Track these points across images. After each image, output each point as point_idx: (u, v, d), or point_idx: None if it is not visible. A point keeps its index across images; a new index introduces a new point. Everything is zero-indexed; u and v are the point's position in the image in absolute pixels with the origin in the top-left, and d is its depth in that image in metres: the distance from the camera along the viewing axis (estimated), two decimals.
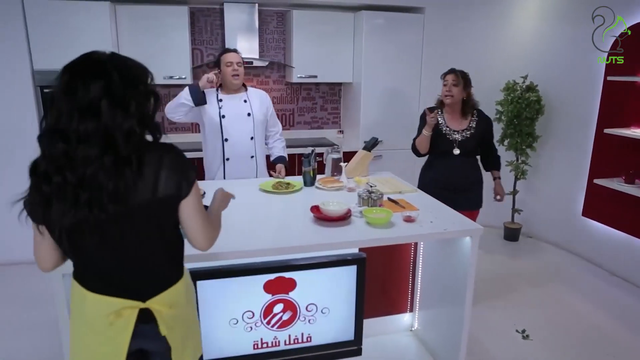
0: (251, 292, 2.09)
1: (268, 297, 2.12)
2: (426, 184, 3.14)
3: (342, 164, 3.03)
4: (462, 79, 2.98)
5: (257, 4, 4.29)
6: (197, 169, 1.45)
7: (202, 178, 3.27)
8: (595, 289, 3.67)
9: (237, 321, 2.11)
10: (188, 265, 1.97)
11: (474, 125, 3.06)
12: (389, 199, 2.64)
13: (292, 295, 2.15)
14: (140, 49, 4.04)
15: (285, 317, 2.17)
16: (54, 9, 3.68)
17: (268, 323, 2.16)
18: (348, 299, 2.24)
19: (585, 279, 3.84)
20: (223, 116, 3.07)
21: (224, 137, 3.10)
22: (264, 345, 2.20)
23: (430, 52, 4.49)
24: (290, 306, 2.16)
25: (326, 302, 2.21)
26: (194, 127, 4.59)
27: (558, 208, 4.40)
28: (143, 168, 1.25)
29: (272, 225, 2.33)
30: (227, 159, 3.14)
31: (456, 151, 3.04)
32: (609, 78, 3.73)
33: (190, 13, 4.29)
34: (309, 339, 2.25)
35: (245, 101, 3.14)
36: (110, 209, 1.23)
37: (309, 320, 2.21)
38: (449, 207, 2.58)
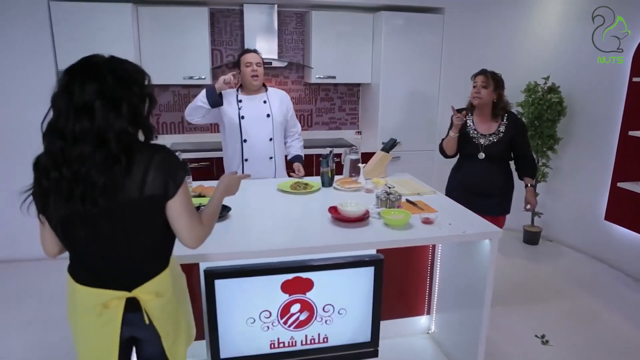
0: (269, 291, 2.10)
1: (285, 297, 2.12)
2: (453, 185, 3.13)
3: (360, 165, 3.03)
4: (493, 80, 2.89)
5: (276, 5, 4.31)
6: (188, 170, 1.49)
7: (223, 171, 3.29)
8: (617, 294, 3.60)
9: (254, 320, 2.12)
10: (206, 265, 2.00)
11: (502, 130, 2.95)
12: (407, 201, 2.63)
13: (310, 295, 2.15)
14: (160, 49, 4.10)
15: (302, 317, 2.18)
16: (78, 11, 3.76)
17: (285, 323, 2.17)
18: (365, 300, 2.24)
19: (607, 284, 3.76)
20: (242, 117, 3.09)
21: (243, 138, 3.12)
22: (281, 345, 2.21)
23: (449, 53, 4.45)
24: (307, 306, 2.16)
25: (343, 303, 2.21)
26: (213, 127, 4.63)
27: (580, 211, 4.33)
28: (132, 167, 1.32)
29: (290, 226, 2.34)
30: (246, 160, 3.16)
31: (481, 155, 2.97)
32: (634, 79, 3.64)
33: (210, 14, 4.33)
34: (325, 339, 2.25)
35: (265, 102, 3.15)
36: (100, 203, 1.30)
37: (325, 321, 2.21)
38: (468, 210, 2.56)
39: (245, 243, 2.10)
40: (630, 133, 3.64)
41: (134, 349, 1.63)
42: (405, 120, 4.52)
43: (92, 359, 1.51)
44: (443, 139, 3.13)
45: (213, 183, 2.93)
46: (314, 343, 2.25)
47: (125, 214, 1.36)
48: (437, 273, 2.83)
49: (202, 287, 2.05)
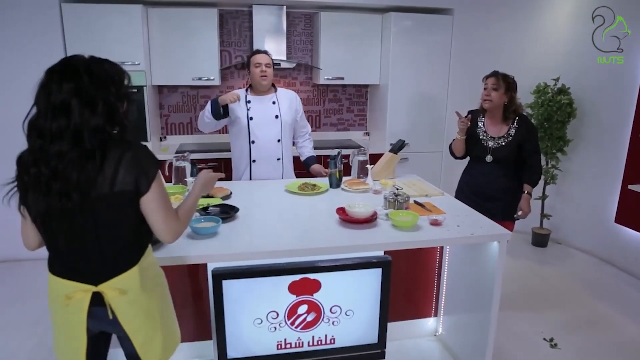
0: (276, 292, 2.10)
1: (293, 298, 2.13)
2: (462, 187, 3.12)
3: (368, 166, 3.02)
4: (504, 82, 2.84)
5: (285, 6, 4.32)
6: (160, 166, 1.49)
7: (230, 178, 3.31)
8: (627, 298, 3.56)
9: (262, 321, 2.13)
10: (214, 265, 2.01)
11: (512, 133, 2.90)
12: (416, 202, 2.62)
13: (317, 296, 2.15)
14: (170, 50, 4.13)
15: (310, 318, 2.18)
16: (89, 12, 3.79)
17: (292, 324, 2.17)
18: (372, 302, 2.23)
19: (617, 288, 3.73)
20: (251, 118, 3.10)
21: (251, 139, 3.12)
22: (288, 345, 2.21)
23: (458, 54, 4.44)
24: (314, 307, 2.17)
25: (350, 304, 2.21)
26: (222, 128, 4.63)
27: (589, 214, 4.29)
28: (105, 163, 1.37)
29: (298, 227, 2.34)
30: (254, 161, 3.16)
31: (489, 158, 2.94)
32: None
33: (219, 15, 4.35)
34: (332, 340, 2.25)
35: (273, 103, 3.16)
36: (74, 198, 1.36)
37: (332, 322, 2.21)
38: (476, 211, 2.55)
39: (252, 244, 2.10)
40: None
41: (113, 343, 1.67)
42: (413, 122, 4.51)
43: (64, 349, 1.56)
44: (454, 140, 3.11)
45: (221, 183, 2.95)
46: (321, 344, 2.25)
47: (96, 210, 1.41)
48: (445, 275, 2.82)
49: (209, 288, 2.06)
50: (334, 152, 3.00)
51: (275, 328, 2.16)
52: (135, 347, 1.53)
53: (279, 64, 4.37)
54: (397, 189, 2.56)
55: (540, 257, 4.29)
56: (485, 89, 2.90)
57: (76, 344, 1.53)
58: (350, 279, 2.17)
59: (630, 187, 3.72)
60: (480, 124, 3.00)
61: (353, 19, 4.41)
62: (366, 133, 5.07)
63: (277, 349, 2.20)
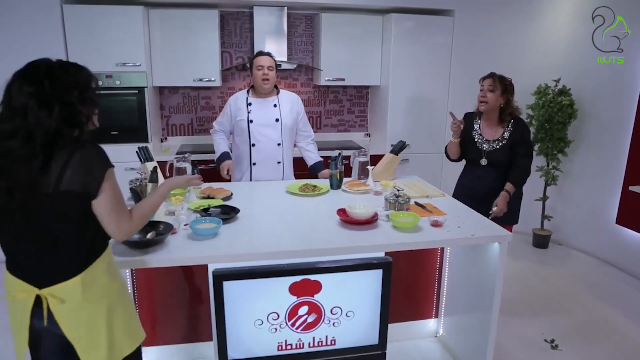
0: (277, 293, 2.10)
1: (293, 299, 2.13)
2: (458, 190, 3.09)
3: (369, 167, 3.02)
4: (501, 84, 2.81)
5: (286, 8, 4.32)
6: (110, 167, 1.47)
7: (230, 179, 3.31)
8: (628, 299, 3.56)
9: (262, 322, 2.13)
10: (215, 266, 2.01)
11: (506, 136, 2.87)
12: (416, 203, 2.62)
13: (317, 297, 2.15)
14: (171, 51, 4.14)
15: (310, 319, 2.18)
16: (90, 13, 3.80)
17: (293, 325, 2.17)
18: (373, 303, 2.23)
19: (618, 289, 3.72)
20: (251, 121, 3.09)
21: (251, 142, 3.12)
22: (288, 346, 2.21)
23: (459, 55, 4.44)
24: (315, 309, 2.17)
25: (351, 305, 2.21)
26: None
27: (590, 215, 4.29)
28: (52, 163, 1.38)
29: (299, 228, 2.34)
30: (254, 164, 3.16)
31: (483, 161, 2.91)
32: None
33: (220, 16, 4.35)
34: (333, 342, 2.25)
35: (275, 106, 3.15)
36: (17, 197, 1.38)
37: (333, 323, 2.21)
38: (477, 212, 2.55)
39: (253, 245, 2.11)
40: None
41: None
42: (414, 123, 4.51)
43: (15, 344, 1.58)
44: (449, 142, 3.10)
45: (222, 185, 2.95)
46: (322, 345, 2.25)
47: (39, 210, 1.42)
48: (446, 276, 2.82)
49: (210, 289, 2.06)
50: (335, 153, 3.00)
51: (275, 329, 2.16)
52: (78, 353, 1.52)
53: (280, 65, 4.37)
54: (398, 190, 2.56)
55: (541, 258, 4.29)
56: (481, 90, 2.87)
57: (20, 339, 1.56)
58: (351, 280, 2.17)
59: (631, 188, 3.72)
60: (476, 127, 2.98)
61: (354, 20, 4.41)
62: (367, 134, 5.07)
63: (278, 350, 2.20)
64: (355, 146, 4.56)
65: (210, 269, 2.05)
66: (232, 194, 2.75)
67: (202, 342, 2.59)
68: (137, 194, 2.52)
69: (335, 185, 2.95)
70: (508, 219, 2.92)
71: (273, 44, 4.34)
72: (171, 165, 2.86)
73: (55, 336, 1.51)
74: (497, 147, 2.88)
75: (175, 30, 4.11)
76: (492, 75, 2.86)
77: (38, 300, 1.48)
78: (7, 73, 1.43)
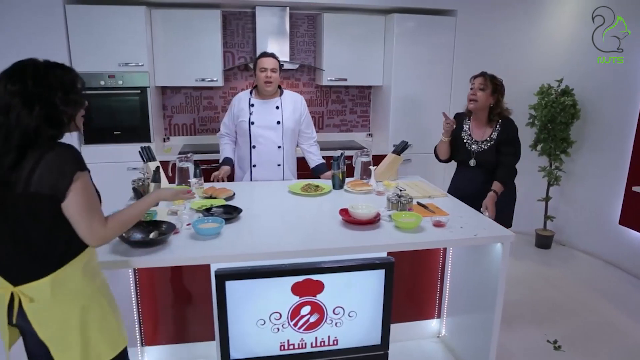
0: (279, 293, 2.10)
1: (296, 299, 2.13)
2: (450, 191, 3.05)
3: (371, 167, 3.02)
4: (491, 83, 2.78)
5: (288, 8, 4.32)
6: (81, 170, 1.45)
7: (232, 179, 3.31)
8: (631, 300, 3.55)
9: (265, 322, 2.13)
10: (217, 266, 2.01)
11: (494, 137, 2.84)
12: (419, 203, 2.62)
13: (320, 297, 2.15)
14: (173, 51, 4.14)
15: (312, 319, 2.18)
16: (93, 13, 3.80)
17: (295, 325, 2.17)
18: (375, 303, 2.23)
19: (621, 290, 3.71)
20: (252, 123, 3.09)
21: (252, 144, 3.12)
22: (291, 346, 2.21)
23: (462, 55, 4.43)
24: (317, 309, 2.16)
25: (353, 305, 2.21)
26: None
27: (593, 216, 4.28)
28: (23, 162, 1.39)
29: (301, 228, 2.34)
30: (254, 166, 3.16)
31: (472, 162, 2.89)
32: None
33: (222, 16, 4.36)
34: (335, 342, 2.25)
35: (277, 108, 3.13)
36: None
37: (335, 323, 2.21)
38: (480, 213, 2.54)
39: (255, 245, 2.10)
40: None
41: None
42: (416, 123, 4.50)
43: (1, 337, 1.60)
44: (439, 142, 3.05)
45: (224, 185, 2.95)
46: (324, 345, 2.24)
47: (11, 208, 1.43)
48: (448, 276, 2.81)
49: (213, 288, 2.06)
50: (337, 153, 3.00)
51: (278, 329, 2.16)
52: (50, 351, 1.51)
53: (282, 65, 4.37)
54: (400, 190, 2.55)
55: (543, 258, 4.28)
56: (471, 88, 2.84)
57: (3, 333, 1.58)
58: (353, 280, 2.16)
59: (634, 188, 3.71)
60: (465, 127, 2.95)
61: (356, 20, 4.41)
62: (369, 134, 5.07)
63: (280, 349, 2.20)
64: (357, 146, 4.56)
65: (213, 268, 2.05)
66: (234, 193, 2.75)
67: (204, 342, 2.60)
68: (140, 194, 2.53)
69: (338, 185, 2.95)
70: (501, 223, 2.75)
71: (275, 44, 4.34)
72: (174, 165, 2.86)
73: (33, 334, 1.52)
74: (486, 147, 2.86)
75: (177, 30, 4.11)
76: (483, 74, 2.84)
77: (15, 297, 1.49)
78: None
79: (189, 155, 2.85)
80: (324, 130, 4.95)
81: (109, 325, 1.60)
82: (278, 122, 3.11)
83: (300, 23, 4.65)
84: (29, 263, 1.48)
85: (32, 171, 1.39)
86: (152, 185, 2.56)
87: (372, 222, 2.29)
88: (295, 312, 2.15)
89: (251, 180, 3.19)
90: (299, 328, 2.18)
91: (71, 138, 1.60)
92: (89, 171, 1.51)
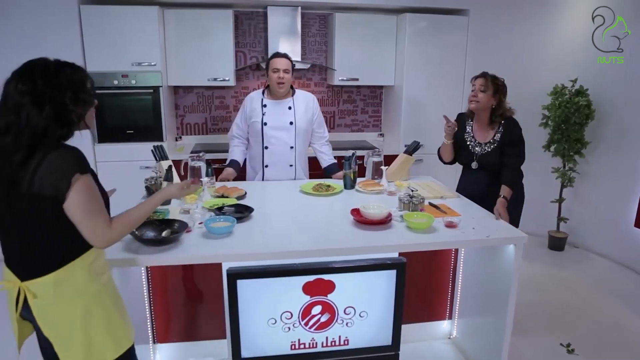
0: (290, 292, 2.10)
1: (307, 299, 2.12)
2: (458, 192, 3.03)
3: (382, 167, 3.01)
4: (493, 84, 2.71)
5: (300, 7, 4.33)
6: (81, 173, 1.44)
7: (243, 179, 3.32)
8: None
9: (276, 321, 2.13)
10: (229, 264, 2.02)
11: (497, 138, 2.77)
12: (430, 204, 2.60)
13: (331, 297, 2.14)
14: (185, 51, 4.17)
15: (323, 319, 2.17)
16: (107, 14, 3.84)
17: (306, 324, 2.17)
18: (386, 304, 2.22)
19: (636, 293, 3.66)
20: (265, 123, 3.09)
21: (264, 145, 3.12)
22: (302, 346, 2.21)
23: (474, 55, 4.40)
24: (328, 308, 2.16)
25: (364, 305, 2.20)
26: None
27: (608, 218, 4.22)
28: (30, 161, 1.41)
29: (312, 227, 2.34)
30: (266, 166, 3.17)
31: (474, 165, 2.84)
32: None
33: (234, 16, 4.37)
34: (346, 342, 2.24)
35: (289, 108, 3.13)
36: (3, 190, 1.44)
37: (346, 323, 2.21)
38: (492, 214, 2.52)
39: (267, 244, 2.11)
40: None
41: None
42: (428, 123, 4.48)
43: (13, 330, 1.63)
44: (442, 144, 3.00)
45: (236, 184, 2.96)
46: (335, 345, 2.24)
47: (17, 206, 1.46)
48: (460, 277, 2.79)
49: (224, 287, 2.06)
50: (349, 153, 2.99)
51: (289, 328, 2.16)
52: (54, 349, 1.53)
53: (294, 65, 4.38)
54: (412, 191, 2.54)
55: (556, 260, 4.23)
56: (472, 90, 2.78)
57: (13, 326, 1.60)
58: (365, 280, 2.16)
59: None
60: (468, 129, 2.89)
61: (368, 20, 4.40)
62: (380, 134, 5.06)
63: (291, 349, 2.20)
64: (368, 146, 4.55)
65: (224, 267, 2.06)
66: (246, 193, 2.76)
67: (215, 340, 2.60)
68: (152, 192, 2.54)
69: (349, 185, 2.95)
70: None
71: (287, 44, 4.35)
72: (186, 164, 2.87)
73: (39, 329, 1.54)
74: (489, 150, 2.79)
75: (190, 30, 4.13)
76: (484, 75, 2.77)
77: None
78: None
79: (200, 154, 2.86)
80: (335, 130, 4.95)
81: (113, 325, 1.60)
82: (291, 123, 3.11)
83: (312, 23, 4.65)
84: (33, 260, 1.50)
85: (34, 171, 1.40)
86: (165, 184, 2.57)
87: (384, 222, 2.28)
88: (306, 312, 2.15)
89: (263, 180, 3.20)
90: (310, 328, 2.18)
91: (81, 138, 1.60)
92: (92, 173, 1.51)
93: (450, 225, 2.29)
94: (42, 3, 3.73)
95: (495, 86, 2.73)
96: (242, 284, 2.04)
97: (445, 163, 3.07)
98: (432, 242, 2.16)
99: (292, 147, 3.15)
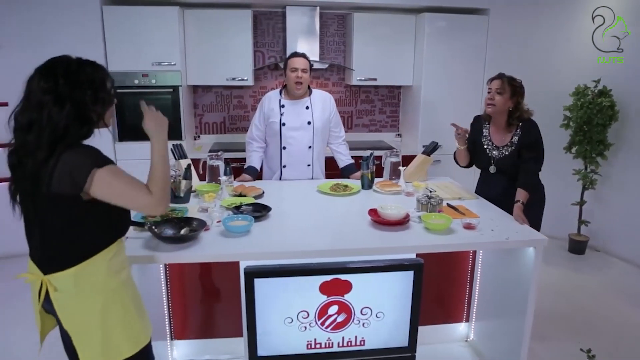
0: (307, 292, 2.10)
1: (323, 298, 2.13)
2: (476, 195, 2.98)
3: (400, 167, 3.00)
4: (510, 86, 2.61)
5: (318, 7, 4.33)
6: (98, 167, 1.44)
7: (261, 178, 3.34)
8: None
9: (292, 320, 2.13)
10: (246, 263, 2.03)
11: (515, 141, 2.67)
12: (449, 205, 2.58)
13: (348, 297, 2.14)
14: (205, 51, 4.20)
15: (340, 319, 2.17)
16: (129, 15, 3.90)
17: (322, 324, 2.17)
18: (403, 305, 2.21)
19: None
20: (283, 124, 3.10)
21: (282, 146, 3.13)
22: (317, 345, 2.21)
23: (494, 55, 4.35)
24: (345, 308, 2.16)
25: (381, 306, 2.19)
26: None
27: (630, 221, 4.13)
28: (50, 159, 1.42)
29: (330, 227, 2.34)
30: (284, 166, 3.18)
31: (492, 169, 2.77)
32: None
33: (253, 16, 4.40)
34: (362, 342, 2.24)
35: (307, 108, 3.14)
36: (27, 186, 1.47)
37: (363, 324, 2.20)
38: (511, 216, 2.49)
39: (284, 243, 2.12)
40: None
41: None
42: (446, 124, 4.39)
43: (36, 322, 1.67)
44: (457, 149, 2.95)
45: (254, 183, 2.97)
46: (351, 345, 2.24)
47: (39, 204, 1.48)
48: (478, 280, 2.76)
49: (241, 285, 2.08)
50: (366, 153, 2.98)
51: (305, 328, 2.16)
52: (73, 342, 1.55)
53: (312, 65, 4.38)
54: (430, 192, 2.52)
55: (577, 264, 4.16)
56: (489, 92, 2.68)
57: (36, 318, 1.64)
58: (382, 281, 2.15)
59: None
60: (485, 132, 2.81)
61: (386, 19, 4.38)
62: (398, 134, 5.03)
63: (307, 348, 2.20)
64: (386, 146, 4.53)
65: (242, 266, 2.07)
66: (263, 192, 2.77)
67: (232, 338, 2.62)
68: (171, 191, 2.57)
69: (367, 185, 2.94)
70: None
71: (305, 44, 4.36)
72: (204, 162, 2.90)
73: (60, 322, 1.57)
74: (507, 153, 2.71)
75: (209, 30, 4.17)
76: (500, 77, 2.66)
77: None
78: None
79: (219, 153, 2.89)
80: (352, 130, 4.94)
81: (131, 321, 1.62)
82: (309, 123, 3.12)
83: (330, 22, 4.65)
84: (54, 255, 1.52)
85: (52, 171, 1.42)
86: (184, 182, 2.60)
87: (402, 223, 2.27)
88: (322, 312, 2.15)
89: (280, 179, 3.21)
90: (326, 327, 2.18)
91: (101, 136, 1.62)
92: (111, 163, 1.50)
93: (468, 226, 2.26)
94: (67, 5, 3.80)
95: (513, 88, 2.63)
96: (259, 283, 2.05)
97: (461, 166, 3.02)
98: (450, 243, 2.15)
99: (310, 147, 3.16)
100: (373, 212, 2.34)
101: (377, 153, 3.16)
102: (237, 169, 3.74)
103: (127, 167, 1.67)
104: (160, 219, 2.16)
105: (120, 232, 1.65)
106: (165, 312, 2.50)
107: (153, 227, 2.03)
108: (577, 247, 4.34)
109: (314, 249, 2.05)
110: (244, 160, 4.08)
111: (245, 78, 4.31)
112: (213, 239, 2.09)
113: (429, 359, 2.69)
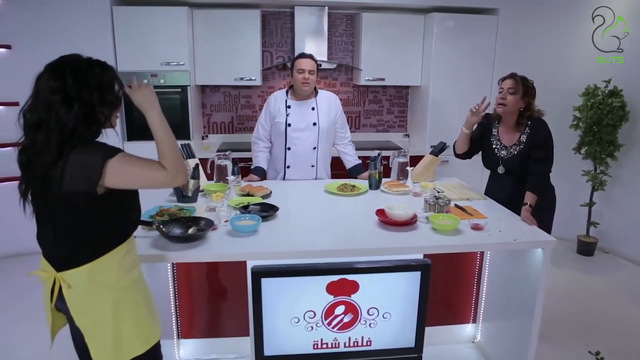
0: (314, 292, 2.11)
1: (330, 298, 2.13)
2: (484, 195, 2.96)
3: (408, 168, 2.99)
4: (522, 86, 2.57)
5: (326, 7, 4.33)
6: (110, 158, 1.45)
7: (266, 178, 3.34)
8: None
9: (299, 320, 2.14)
10: (254, 263, 2.04)
11: (523, 140, 2.63)
12: (456, 206, 2.57)
13: (354, 297, 2.14)
14: (213, 51, 4.22)
15: (346, 319, 2.17)
16: (138, 15, 3.93)
17: (329, 324, 2.17)
18: (410, 305, 2.21)
19: None
20: (289, 124, 3.11)
21: (287, 146, 3.14)
22: (324, 345, 2.21)
23: (503, 55, 4.33)
24: (351, 308, 2.16)
25: (388, 306, 2.19)
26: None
27: None
28: (59, 160, 1.43)
29: (337, 227, 2.34)
30: (288, 167, 3.18)
31: (500, 170, 2.73)
32: None
33: (261, 16, 4.41)
34: (368, 342, 2.24)
35: (313, 109, 3.14)
36: (37, 186, 1.48)
37: (369, 324, 2.20)
38: (519, 217, 2.47)
39: (292, 243, 2.12)
40: None
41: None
42: (455, 124, 4.38)
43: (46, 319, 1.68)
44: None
45: (261, 183, 2.98)
46: (357, 346, 2.24)
47: (50, 203, 1.50)
48: (485, 281, 2.75)
49: (248, 285, 2.08)
50: (374, 153, 2.98)
51: (312, 327, 2.16)
52: (85, 339, 1.56)
53: (320, 65, 4.38)
54: (438, 192, 2.51)
55: (585, 266, 4.13)
56: (500, 92, 2.63)
57: (47, 315, 1.65)
58: (389, 281, 2.15)
59: None
60: (494, 131, 2.78)
61: (395, 19, 4.37)
62: (406, 134, 5.02)
63: (314, 348, 2.21)
64: (394, 146, 4.52)
65: (249, 265, 2.08)
66: (271, 192, 2.78)
67: (238, 337, 2.63)
68: (179, 190, 2.59)
69: (374, 185, 2.94)
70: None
71: (313, 44, 4.36)
72: (212, 162, 2.91)
73: (72, 319, 1.58)
74: (515, 152, 2.67)
75: (218, 30, 4.19)
76: (513, 76, 2.62)
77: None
78: None
79: (227, 153, 2.90)
80: (360, 131, 4.94)
81: (142, 319, 1.63)
82: (314, 124, 3.12)
83: (338, 23, 4.65)
84: (67, 252, 1.54)
85: (62, 172, 1.43)
86: (192, 181, 2.61)
87: (409, 223, 2.27)
88: (329, 312, 2.15)
89: (284, 178, 3.21)
90: (333, 327, 2.18)
91: (108, 136, 1.62)
92: (120, 151, 1.51)
93: (476, 227, 2.25)
94: (77, 5, 3.83)
95: (525, 88, 2.60)
96: (266, 283, 2.05)
97: (457, 156, 2.94)
98: (458, 244, 2.14)
99: (314, 148, 3.16)
100: (380, 212, 2.33)
101: (384, 153, 3.16)
102: (244, 168, 3.75)
103: None
104: (168, 218, 2.17)
105: (132, 226, 1.67)
106: (172, 311, 2.52)
107: (161, 226, 2.05)
108: (586, 248, 4.31)
109: (321, 249, 2.05)
110: (251, 160, 4.11)
111: (254, 78, 4.32)
112: (220, 238, 2.10)
113: None
